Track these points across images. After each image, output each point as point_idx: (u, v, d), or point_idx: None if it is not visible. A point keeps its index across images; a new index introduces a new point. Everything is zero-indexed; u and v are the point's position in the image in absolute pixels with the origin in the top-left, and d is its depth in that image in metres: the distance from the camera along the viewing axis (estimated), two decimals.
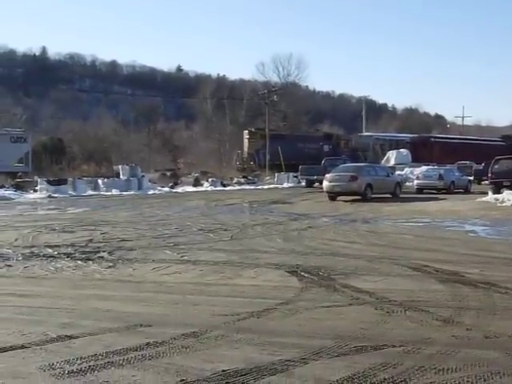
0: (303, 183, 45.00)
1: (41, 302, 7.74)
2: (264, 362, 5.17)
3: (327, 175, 29.87)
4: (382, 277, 9.21)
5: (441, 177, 34.81)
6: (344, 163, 37.49)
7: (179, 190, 40.62)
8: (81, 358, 5.34)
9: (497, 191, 27.95)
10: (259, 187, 44.66)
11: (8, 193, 33.11)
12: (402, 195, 30.67)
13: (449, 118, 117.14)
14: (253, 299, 7.73)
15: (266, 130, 59.01)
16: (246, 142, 60.98)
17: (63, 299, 7.85)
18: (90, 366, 5.13)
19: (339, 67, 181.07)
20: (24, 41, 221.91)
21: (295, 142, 58.81)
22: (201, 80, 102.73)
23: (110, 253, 11.94)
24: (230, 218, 19.81)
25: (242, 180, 48.56)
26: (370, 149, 64.70)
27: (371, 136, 69.38)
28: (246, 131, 62.21)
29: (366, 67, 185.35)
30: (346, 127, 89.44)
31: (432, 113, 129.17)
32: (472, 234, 15.52)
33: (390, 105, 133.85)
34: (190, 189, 41.36)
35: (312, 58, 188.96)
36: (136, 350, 5.54)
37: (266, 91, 67.93)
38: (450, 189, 34.10)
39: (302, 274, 9.45)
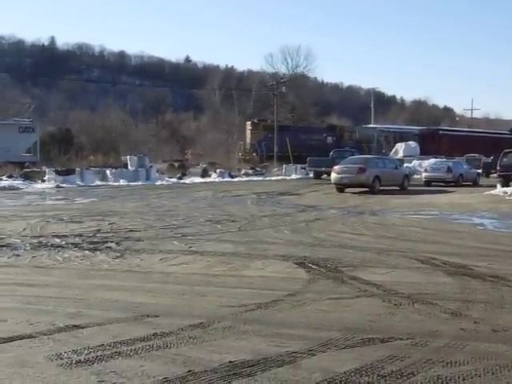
0: (311, 175, 44.93)
1: (48, 291, 7.76)
2: (271, 354, 5.17)
3: (335, 167, 29.82)
4: (390, 269, 9.20)
5: (449, 169, 34.71)
6: (352, 155, 37.39)
7: (187, 180, 40.59)
8: (88, 347, 5.36)
9: (505, 184, 27.87)
10: (267, 179, 44.62)
11: (16, 183, 33.17)
12: (410, 188, 30.62)
13: (457, 110, 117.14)
14: (260, 290, 7.73)
15: (275, 122, 58.80)
16: (248, 133, 60.68)
17: (71, 289, 7.87)
18: (97, 356, 5.14)
19: (348, 59, 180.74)
20: (32, 31, 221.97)
21: (298, 133, 58.51)
22: (209, 71, 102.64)
23: (117, 243, 11.96)
24: (237, 209, 19.81)
25: (250, 171, 48.46)
26: (374, 141, 64.45)
27: (375, 128, 69.09)
28: (249, 122, 61.84)
29: (375, 59, 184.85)
30: (354, 119, 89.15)
31: (441, 105, 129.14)
32: (480, 227, 15.47)
33: (398, 97, 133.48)
34: (198, 180, 41.34)
35: (321, 49, 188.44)
36: (143, 341, 5.55)
37: (274, 82, 67.71)
38: (458, 181, 34.01)
39: (310, 265, 9.44)
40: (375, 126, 71.95)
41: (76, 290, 7.82)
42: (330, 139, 60.27)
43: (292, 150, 54.56)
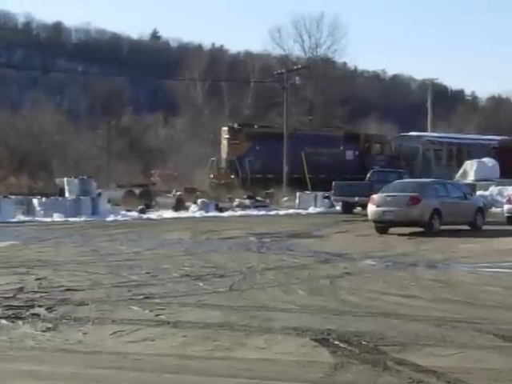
0: (338, 207, 45.06)
1: None
2: None
3: (374, 196, 29.88)
4: (457, 349, 9.19)
5: None
6: (400, 178, 37.46)
7: (153, 215, 40.75)
8: None
9: None
10: (272, 213, 44.72)
11: None
12: (485, 227, 30.64)
13: None
14: (262, 381, 7.73)
15: (284, 127, 58.76)
16: (224, 143, 59.83)
17: None
18: None
19: (393, 37, 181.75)
20: None
21: (301, 144, 58.16)
22: (187, 52, 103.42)
23: (49, 308, 11.95)
24: (228, 259, 19.84)
25: (247, 202, 48.47)
26: (418, 156, 64.41)
27: (421, 137, 68.79)
28: (225, 128, 61.04)
29: (433, 38, 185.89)
30: (402, 124, 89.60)
31: None
32: None
33: (468, 92, 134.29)
34: (170, 214, 41.49)
35: (353, 21, 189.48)
36: None
37: (283, 70, 68.09)
38: None
39: (337, 343, 9.45)
40: (421, 134, 71.73)
41: None
42: (350, 153, 60.34)
43: (290, 170, 54.52)
